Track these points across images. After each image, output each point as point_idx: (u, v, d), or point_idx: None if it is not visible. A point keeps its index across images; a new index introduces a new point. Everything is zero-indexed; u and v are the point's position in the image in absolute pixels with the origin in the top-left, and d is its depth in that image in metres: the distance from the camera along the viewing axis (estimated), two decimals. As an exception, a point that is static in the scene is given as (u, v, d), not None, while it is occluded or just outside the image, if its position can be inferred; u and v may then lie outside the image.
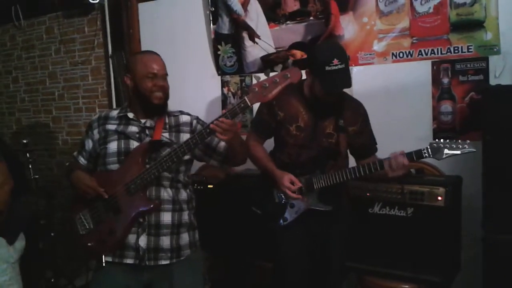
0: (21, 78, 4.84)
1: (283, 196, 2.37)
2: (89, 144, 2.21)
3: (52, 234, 3.54)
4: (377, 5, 2.95)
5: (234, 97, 3.62)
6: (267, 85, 1.81)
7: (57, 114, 4.61)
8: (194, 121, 2.21)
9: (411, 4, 2.85)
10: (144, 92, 2.08)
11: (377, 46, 2.98)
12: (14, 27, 4.75)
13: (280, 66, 1.85)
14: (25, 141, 3.57)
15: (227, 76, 3.63)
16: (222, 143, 2.14)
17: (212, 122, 1.88)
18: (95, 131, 2.19)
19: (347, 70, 2.20)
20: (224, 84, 3.66)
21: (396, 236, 2.55)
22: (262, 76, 3.44)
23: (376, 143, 2.45)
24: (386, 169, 2.15)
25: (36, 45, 4.67)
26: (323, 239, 2.42)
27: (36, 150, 3.77)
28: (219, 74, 3.67)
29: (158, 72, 2.09)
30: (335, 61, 2.14)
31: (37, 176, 3.53)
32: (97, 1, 3.95)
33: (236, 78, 3.60)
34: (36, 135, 4.64)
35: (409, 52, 2.88)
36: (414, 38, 2.86)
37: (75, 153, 2.29)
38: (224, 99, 3.66)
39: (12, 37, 4.84)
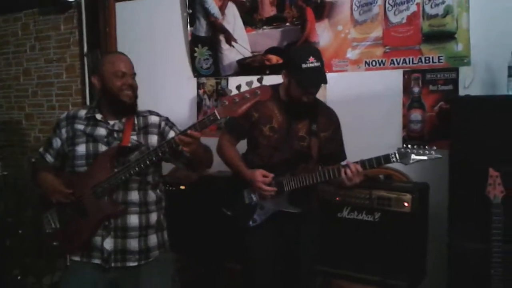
0: (-6, 73, 4.78)
1: (253, 197, 2.38)
2: (57, 142, 2.18)
3: (20, 231, 3.47)
4: (352, 14, 3.00)
5: (209, 99, 3.63)
6: (237, 100, 1.84)
7: (30, 111, 4.56)
8: (163, 123, 2.20)
9: (385, 14, 2.91)
10: (113, 91, 2.06)
11: (351, 54, 3.03)
12: (-12, 23, 4.68)
13: (253, 80, 1.90)
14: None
15: (203, 78, 3.64)
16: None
17: (183, 132, 1.90)
18: (63, 130, 2.16)
19: (322, 69, 2.25)
20: (200, 86, 3.67)
21: (364, 241, 2.60)
22: (237, 79, 3.46)
23: (344, 154, 2.47)
24: (342, 177, 2.18)
25: (11, 41, 4.62)
26: (293, 241, 2.43)
27: (7, 146, 3.70)
28: (195, 76, 3.68)
29: (127, 71, 2.09)
30: (311, 59, 2.19)
31: (6, 173, 3.47)
32: (73, -1, 3.92)
33: (212, 81, 3.61)
34: (8, 132, 4.57)
35: (382, 60, 2.93)
36: (387, 47, 2.92)
37: (41, 150, 2.25)
38: (200, 101, 3.67)
39: (-14, 32, 4.78)
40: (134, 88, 2.11)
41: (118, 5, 3.96)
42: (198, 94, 3.67)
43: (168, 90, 3.73)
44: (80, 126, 2.13)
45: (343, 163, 2.25)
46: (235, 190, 2.45)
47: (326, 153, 2.42)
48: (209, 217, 2.98)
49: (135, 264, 2.09)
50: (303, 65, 2.19)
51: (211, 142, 2.48)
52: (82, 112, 2.18)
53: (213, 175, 3.24)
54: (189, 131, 1.89)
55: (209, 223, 3.02)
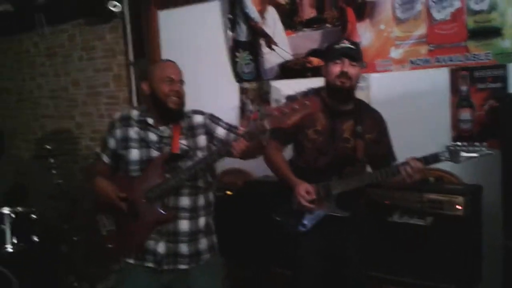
0: (45, 84, 4.96)
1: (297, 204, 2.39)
2: (112, 142, 2.25)
3: (75, 238, 3.60)
4: (394, 12, 2.94)
5: (251, 104, 3.65)
6: (286, 111, 1.86)
7: (80, 120, 4.70)
8: (207, 121, 2.24)
9: (428, 11, 2.83)
10: (161, 97, 2.13)
11: (394, 53, 2.97)
12: (37, 34, 4.85)
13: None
14: (48, 147, 3.64)
15: (245, 82, 3.66)
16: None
17: (229, 144, 1.96)
18: (118, 131, 2.24)
19: (357, 50, 2.28)
20: (242, 90, 3.69)
21: (415, 245, 2.55)
22: (279, 83, 3.47)
23: (393, 155, 2.41)
24: (402, 174, 2.14)
25: (58, 52, 4.77)
26: (341, 246, 2.41)
27: (60, 155, 3.84)
28: (237, 81, 3.71)
29: (175, 77, 2.15)
30: (345, 41, 2.28)
31: (60, 181, 3.60)
32: (117, 9, 4.01)
33: (254, 85, 3.62)
34: (60, 141, 4.73)
35: (427, 59, 2.86)
36: (431, 45, 2.84)
37: (98, 150, 2.36)
38: (242, 105, 3.69)
39: (35, 44, 4.97)
40: (181, 94, 2.17)
41: (160, 13, 4.03)
42: (240, 99, 3.70)
43: (211, 95, 3.75)
44: (134, 129, 2.21)
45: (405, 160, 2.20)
46: (283, 196, 2.46)
47: (373, 155, 2.39)
48: (256, 222, 3.00)
49: (186, 267, 2.17)
50: (336, 46, 2.27)
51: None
52: (135, 113, 2.26)
53: (259, 180, 3.26)
54: (233, 143, 1.93)
55: (255, 228, 3.03)
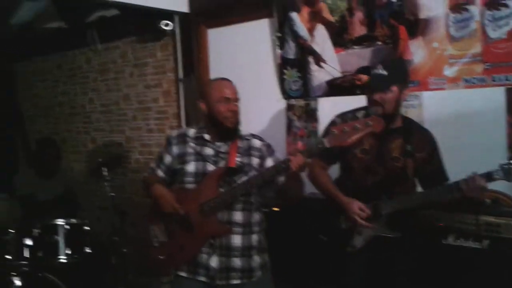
0: (96, 99, 5.12)
1: (350, 223, 2.36)
2: (168, 158, 2.32)
3: (125, 250, 3.69)
4: (447, 30, 2.89)
5: (298, 121, 3.66)
6: (347, 129, 1.86)
7: (130, 134, 4.82)
8: (264, 148, 2.30)
9: (483, 29, 2.77)
10: (218, 116, 2.19)
11: (448, 71, 2.92)
12: (90, 51, 5.03)
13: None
14: (100, 160, 3.75)
15: (293, 100, 3.68)
16: (281, 179, 2.22)
17: (287, 159, 1.98)
18: (174, 147, 2.30)
19: (388, 77, 2.26)
20: (289, 108, 3.71)
21: (471, 269, 2.47)
22: (327, 100, 3.46)
23: (445, 175, 2.36)
24: (463, 189, 2.11)
25: (111, 68, 4.92)
26: (391, 267, 2.38)
27: (111, 168, 3.96)
28: (284, 98, 3.72)
29: (231, 97, 2.21)
30: (379, 66, 2.29)
31: (113, 194, 3.69)
32: (169, 28, 4.12)
33: (301, 102, 3.63)
34: (110, 154, 4.82)
35: (482, 78, 2.80)
36: (487, 64, 2.78)
37: (153, 165, 2.41)
38: (289, 122, 3.70)
39: (88, 60, 5.14)
40: (237, 113, 2.23)
41: (210, 32, 4.11)
42: (287, 116, 3.71)
43: (258, 112, 3.80)
44: (190, 145, 2.27)
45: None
46: (330, 215, 2.45)
47: (424, 175, 2.35)
48: (302, 239, 2.98)
49: (238, 282, 2.19)
50: (372, 72, 2.31)
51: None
52: (191, 131, 2.32)
53: (305, 197, 3.24)
54: (291, 157, 1.96)
55: (301, 246, 3.00)
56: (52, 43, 5.32)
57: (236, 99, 2.24)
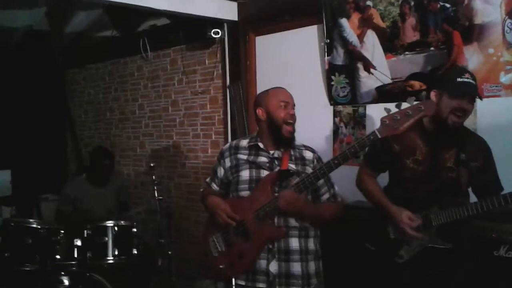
0: (146, 105, 5.25)
1: (399, 233, 2.30)
2: (221, 171, 2.36)
3: (170, 252, 3.73)
4: (504, 36, 2.80)
5: (346, 127, 3.62)
6: (399, 117, 1.80)
7: (177, 139, 4.91)
8: (315, 161, 2.31)
9: (542, 35, 2.67)
10: (278, 121, 2.21)
11: (505, 78, 2.82)
12: (141, 59, 5.17)
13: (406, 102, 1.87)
14: (152, 164, 3.83)
15: (340, 106, 3.65)
16: (326, 197, 2.25)
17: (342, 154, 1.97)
18: (227, 160, 2.33)
19: (476, 87, 2.16)
20: (336, 114, 3.68)
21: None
22: (376, 106, 3.41)
23: (500, 185, 2.27)
24: None
25: (160, 75, 5.04)
26: (442, 280, 2.29)
27: (159, 172, 4.04)
28: (331, 104, 3.70)
29: (289, 101, 2.24)
30: (467, 75, 2.14)
31: (161, 198, 3.75)
32: (218, 36, 4.18)
33: (349, 108, 3.60)
34: (158, 158, 4.97)
35: (540, 85, 2.69)
36: (545, 71, 2.67)
37: (208, 180, 2.46)
38: (336, 129, 3.67)
39: (139, 67, 5.28)
40: (294, 119, 2.25)
41: (258, 39, 4.15)
42: (334, 122, 3.68)
43: (305, 118, 3.70)
44: (243, 156, 2.29)
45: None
46: (378, 224, 2.39)
47: (479, 185, 2.27)
48: (349, 249, 2.93)
49: None
50: (459, 79, 2.11)
51: (350, 171, 2.48)
52: (244, 142, 2.34)
53: (352, 205, 3.20)
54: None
55: (348, 256, 2.96)
56: (104, 51, 5.52)
57: (293, 104, 2.26)
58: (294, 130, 2.24)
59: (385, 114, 1.87)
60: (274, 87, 2.37)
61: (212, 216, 2.28)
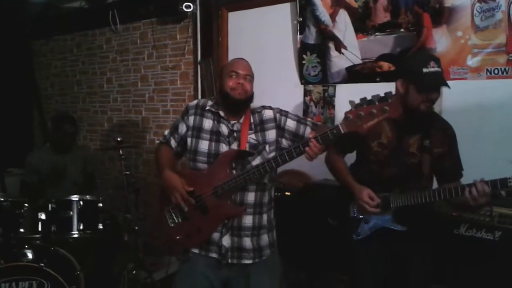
0: (114, 79, 5.15)
1: (358, 211, 2.35)
2: (182, 128, 2.33)
3: (136, 227, 3.71)
4: (472, 19, 2.85)
5: (316, 106, 3.64)
6: (363, 114, 1.79)
7: (146, 115, 4.85)
8: (278, 115, 2.27)
9: (509, 20, 2.72)
10: (226, 90, 2.19)
11: (471, 61, 2.88)
12: (110, 31, 5.04)
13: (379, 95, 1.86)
14: (119, 139, 3.75)
15: (310, 85, 3.66)
16: (308, 130, 2.23)
17: (304, 144, 1.95)
18: (191, 118, 2.30)
19: (442, 74, 2.15)
20: (306, 93, 3.69)
21: (482, 260, 2.45)
22: (346, 86, 3.44)
23: (462, 169, 2.31)
24: (466, 196, 2.04)
25: (130, 49, 4.93)
26: (403, 258, 2.34)
27: (126, 147, 3.97)
28: (302, 83, 3.71)
29: (241, 72, 2.20)
30: (432, 63, 2.10)
31: (128, 172, 3.72)
32: (190, 10, 4.11)
33: (319, 88, 3.61)
34: (126, 134, 4.88)
35: (505, 69, 2.75)
36: (510, 55, 2.73)
37: (166, 133, 2.42)
38: (306, 108, 3.69)
39: (108, 40, 5.16)
40: (245, 87, 2.20)
41: (231, 15, 4.10)
42: (304, 101, 3.70)
43: (275, 97, 3.75)
44: (208, 120, 2.27)
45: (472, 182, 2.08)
46: (341, 201, 2.43)
47: (441, 170, 2.30)
48: (313, 224, 2.98)
49: (250, 261, 2.21)
50: (424, 70, 2.09)
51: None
52: (209, 103, 2.31)
53: (319, 183, 3.24)
54: (307, 149, 1.94)
55: (312, 231, 3.01)
56: (73, 23, 5.35)
57: (246, 76, 2.21)
58: (246, 95, 2.20)
59: (352, 97, 1.88)
60: (234, 58, 2.34)
61: (167, 192, 2.26)
